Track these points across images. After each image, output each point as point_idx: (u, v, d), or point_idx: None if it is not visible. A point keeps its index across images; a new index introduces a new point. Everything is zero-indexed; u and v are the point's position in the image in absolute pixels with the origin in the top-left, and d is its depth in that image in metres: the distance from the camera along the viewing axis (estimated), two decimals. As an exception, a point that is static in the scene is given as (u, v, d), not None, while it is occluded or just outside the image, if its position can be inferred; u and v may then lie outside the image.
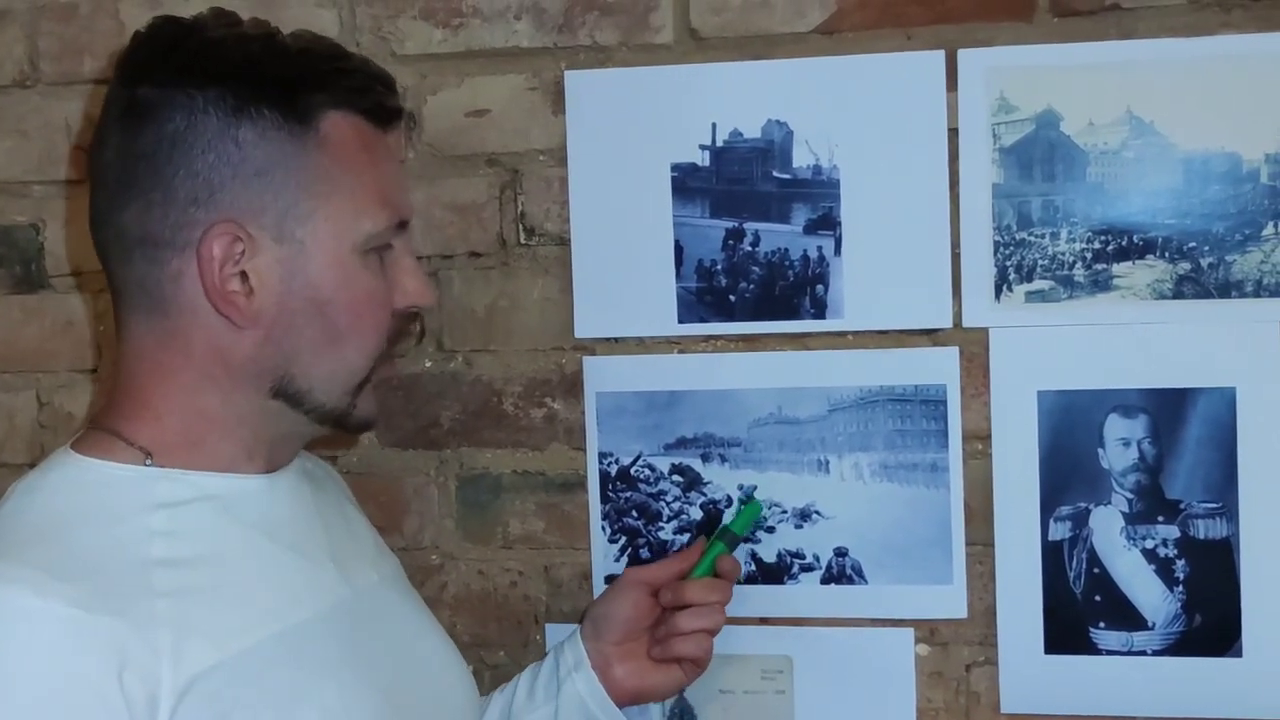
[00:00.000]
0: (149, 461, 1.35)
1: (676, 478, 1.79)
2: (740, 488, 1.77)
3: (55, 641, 1.20)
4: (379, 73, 1.42)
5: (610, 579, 1.81)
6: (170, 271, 1.33)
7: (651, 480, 1.80)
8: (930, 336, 1.72)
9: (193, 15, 1.38)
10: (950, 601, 1.74)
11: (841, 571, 1.76)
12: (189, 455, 1.36)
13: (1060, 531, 1.70)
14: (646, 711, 1.69)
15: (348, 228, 1.35)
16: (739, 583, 1.75)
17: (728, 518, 1.76)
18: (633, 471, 1.80)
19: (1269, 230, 1.64)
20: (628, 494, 1.81)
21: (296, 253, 1.34)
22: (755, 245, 1.75)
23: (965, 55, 1.68)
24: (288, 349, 1.36)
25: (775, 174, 1.74)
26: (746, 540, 1.74)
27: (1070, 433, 1.69)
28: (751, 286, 1.75)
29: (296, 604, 1.36)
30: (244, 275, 1.33)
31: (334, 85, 1.35)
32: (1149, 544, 1.69)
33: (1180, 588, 1.68)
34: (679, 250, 1.76)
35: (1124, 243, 1.66)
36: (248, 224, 1.32)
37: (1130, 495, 1.68)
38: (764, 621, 1.78)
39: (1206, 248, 1.64)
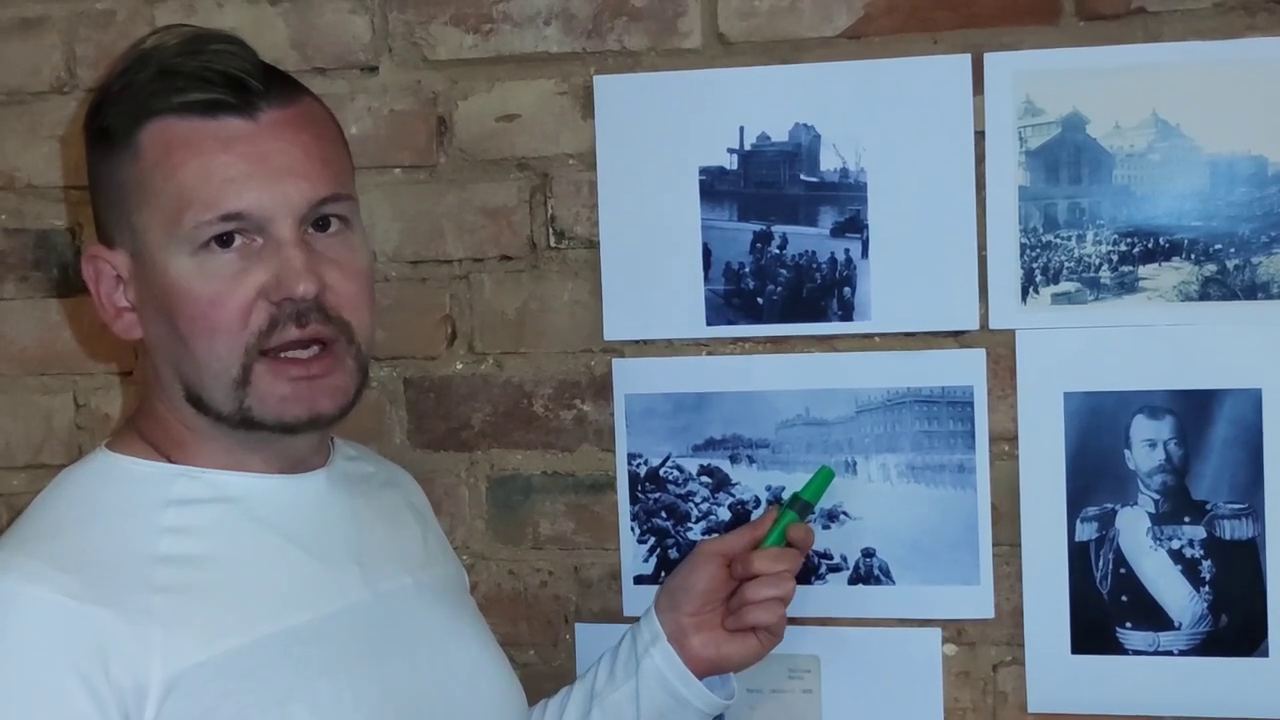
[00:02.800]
0: (168, 459, 1.39)
1: (705, 479, 1.80)
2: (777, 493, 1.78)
3: (40, 627, 1.24)
4: (208, 66, 1.35)
5: (639, 580, 1.82)
6: None
7: (680, 481, 1.81)
8: (957, 338, 1.73)
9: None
10: (977, 602, 1.75)
11: (869, 572, 1.77)
12: (200, 455, 1.40)
13: (1087, 532, 1.70)
14: (727, 682, 1.66)
15: (164, 232, 1.34)
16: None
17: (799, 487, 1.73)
18: (661, 473, 1.81)
19: (1295, 232, 1.65)
20: (656, 495, 1.82)
21: (142, 264, 1.37)
22: (783, 248, 1.76)
23: (991, 59, 1.69)
24: (169, 357, 1.38)
25: (803, 177, 1.75)
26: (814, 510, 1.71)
27: (1097, 434, 1.70)
28: (779, 289, 1.76)
29: (301, 604, 1.37)
30: (125, 291, 1.39)
31: (147, 93, 1.35)
32: (1175, 544, 1.69)
33: (1206, 588, 1.69)
34: (707, 253, 1.77)
35: (1150, 245, 1.67)
36: (111, 244, 1.39)
37: (1156, 496, 1.69)
38: (792, 621, 1.76)
39: (1232, 250, 1.65)
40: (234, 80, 1.35)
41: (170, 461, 1.39)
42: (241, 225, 1.34)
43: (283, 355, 1.35)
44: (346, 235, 1.40)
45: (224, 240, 1.34)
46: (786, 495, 1.76)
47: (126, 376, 1.93)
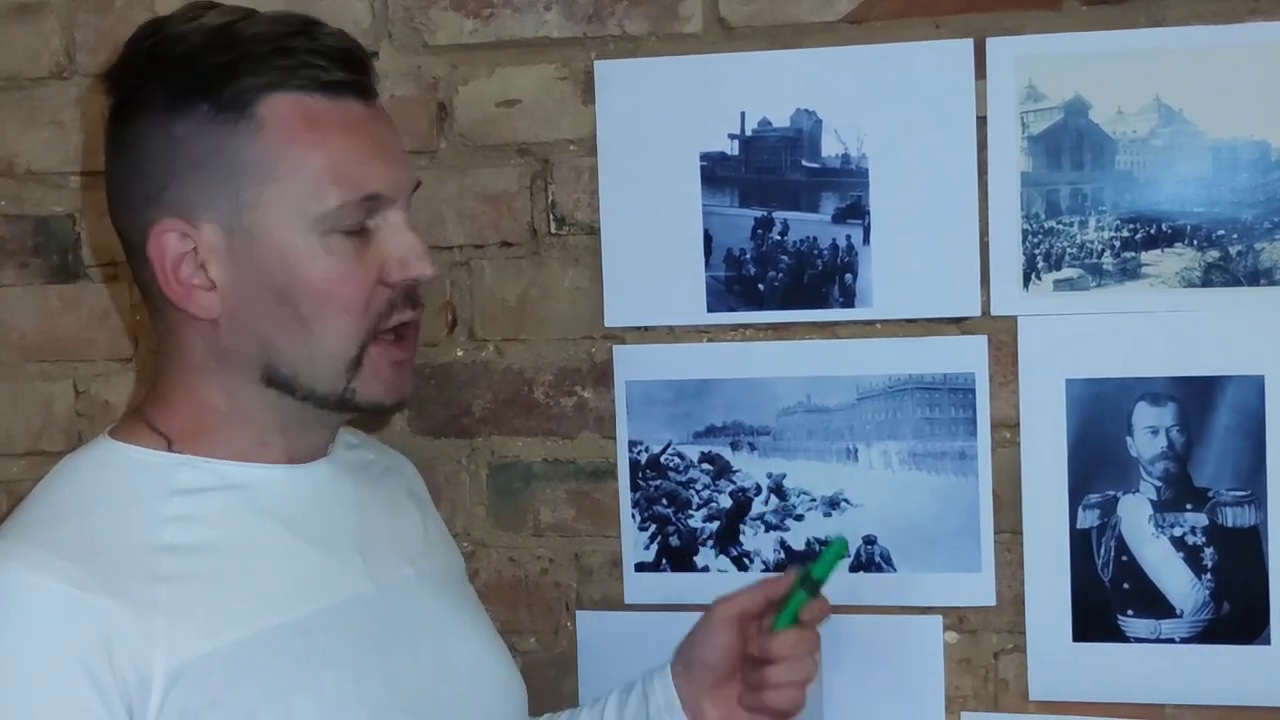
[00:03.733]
0: (171, 448, 1.38)
1: (706, 466, 1.80)
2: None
3: (45, 616, 1.23)
4: (330, 46, 1.35)
5: (640, 567, 1.82)
6: (146, 272, 1.36)
7: (681, 468, 1.81)
8: (959, 325, 1.73)
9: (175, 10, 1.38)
10: (979, 589, 1.75)
11: (870, 559, 1.77)
12: (208, 444, 1.38)
13: (1089, 519, 1.70)
14: None
15: (296, 211, 1.32)
16: (769, 570, 1.77)
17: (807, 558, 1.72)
18: (662, 460, 1.81)
19: (1298, 218, 1.64)
20: (657, 482, 1.82)
21: (248, 242, 1.32)
22: (784, 234, 1.75)
23: (994, 44, 1.68)
24: (261, 337, 1.35)
25: (804, 163, 1.74)
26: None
27: (1098, 421, 1.69)
28: (780, 275, 1.76)
29: (305, 596, 1.36)
30: (205, 268, 1.33)
31: (270, 67, 1.32)
32: (1177, 532, 1.69)
33: (1209, 575, 1.68)
34: (708, 239, 1.77)
35: (1152, 231, 1.66)
36: (195, 218, 1.32)
37: (1159, 483, 1.69)
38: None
39: (1235, 235, 1.65)
40: (359, 64, 1.37)
41: (173, 450, 1.38)
42: (374, 206, 1.35)
43: (386, 339, 1.37)
44: None
45: (355, 224, 1.34)
46: (788, 483, 1.76)
47: (126, 364, 1.93)
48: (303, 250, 1.32)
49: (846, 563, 1.76)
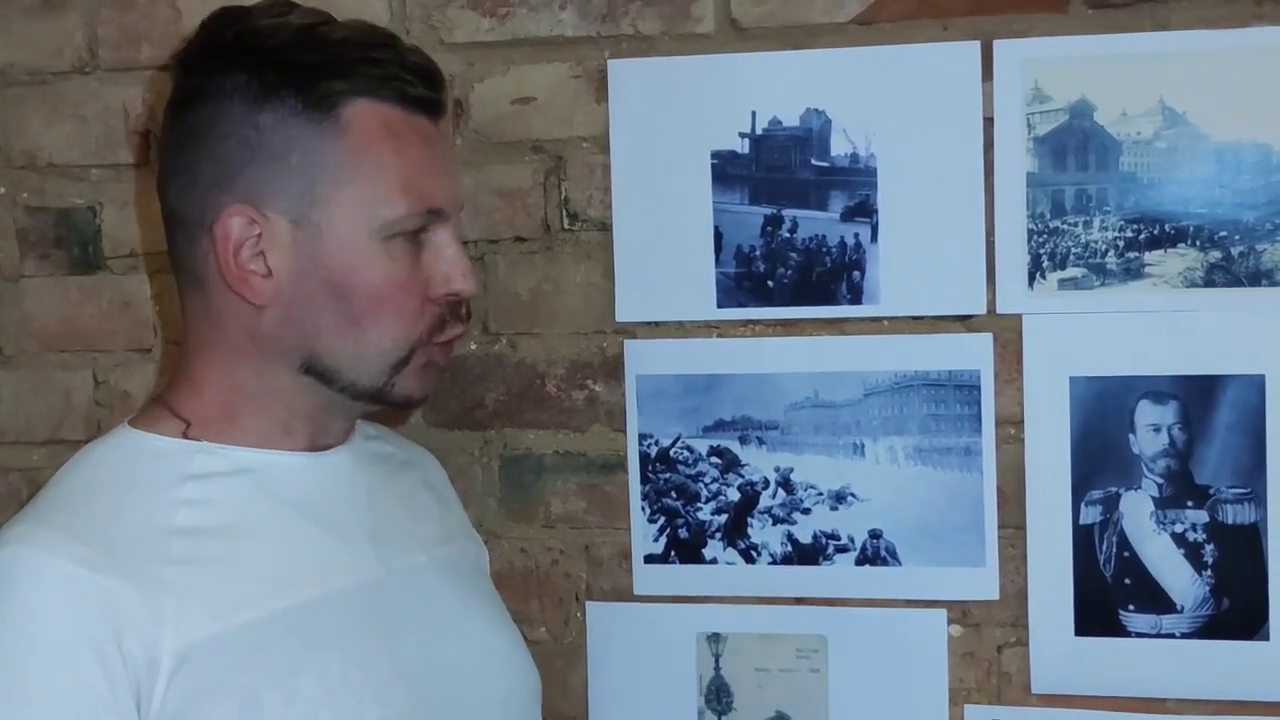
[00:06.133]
0: (188, 433, 1.41)
1: (715, 459, 1.82)
2: None
3: (55, 596, 1.26)
4: (415, 63, 1.41)
5: (649, 559, 1.84)
6: (200, 250, 1.39)
7: (690, 462, 1.83)
8: (964, 323, 1.74)
9: (251, 4, 1.42)
10: (982, 583, 1.76)
11: (876, 553, 1.79)
12: (227, 429, 1.41)
13: (1091, 515, 1.72)
14: None
15: (365, 214, 1.36)
16: (776, 563, 1.79)
17: None
18: (672, 453, 1.83)
19: (1300, 220, 1.66)
20: (667, 475, 1.84)
21: (313, 236, 1.36)
22: (793, 232, 1.77)
23: (1001, 46, 1.70)
24: (308, 328, 1.39)
25: (813, 162, 1.76)
26: None
27: (1101, 418, 1.71)
28: (789, 272, 1.78)
29: (313, 579, 1.39)
30: (264, 255, 1.37)
31: (360, 74, 1.36)
32: (1178, 528, 1.70)
33: (1209, 571, 1.70)
34: (718, 236, 1.79)
35: (1156, 231, 1.68)
36: (265, 207, 1.36)
37: (1160, 480, 1.71)
38: (799, 601, 1.81)
39: (1237, 236, 1.66)
40: (438, 83, 1.43)
41: (190, 435, 1.41)
42: (432, 221, 1.40)
43: (434, 347, 1.44)
44: None
45: (413, 231, 1.39)
46: (795, 478, 1.78)
47: (145, 354, 1.95)
48: (365, 252, 1.37)
49: (851, 556, 1.79)
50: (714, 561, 1.83)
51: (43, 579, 1.26)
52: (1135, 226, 1.68)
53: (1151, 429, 1.70)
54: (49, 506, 1.36)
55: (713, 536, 1.83)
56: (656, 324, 1.82)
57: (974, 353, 1.74)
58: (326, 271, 1.37)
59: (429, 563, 1.53)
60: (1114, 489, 1.72)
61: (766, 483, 1.81)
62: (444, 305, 1.43)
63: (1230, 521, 1.69)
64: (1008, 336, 1.74)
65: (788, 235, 1.77)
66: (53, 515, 1.34)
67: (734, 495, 1.82)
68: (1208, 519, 1.70)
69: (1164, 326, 1.69)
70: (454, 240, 1.43)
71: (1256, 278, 1.66)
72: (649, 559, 1.85)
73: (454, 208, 1.44)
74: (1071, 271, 1.70)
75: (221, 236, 1.37)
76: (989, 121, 1.71)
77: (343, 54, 1.37)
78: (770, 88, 1.76)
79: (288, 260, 1.37)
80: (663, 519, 1.84)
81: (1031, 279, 1.71)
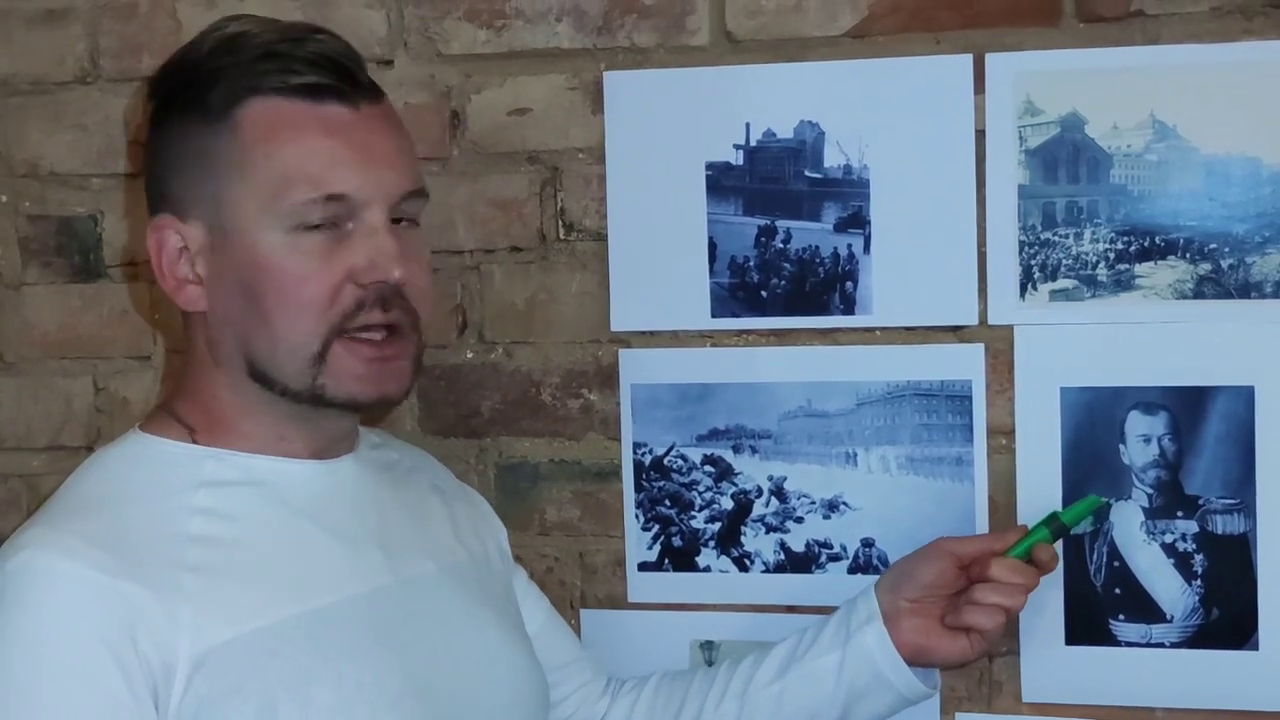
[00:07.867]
0: (195, 439, 1.43)
1: (709, 468, 1.83)
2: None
3: (73, 601, 1.27)
4: (314, 52, 1.40)
5: (644, 567, 1.85)
6: None
7: (684, 470, 1.84)
8: (956, 333, 1.75)
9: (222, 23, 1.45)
10: (974, 592, 1.77)
11: (868, 562, 1.80)
12: (228, 435, 1.44)
13: (1081, 525, 1.72)
14: (933, 673, 1.66)
15: (263, 209, 1.37)
16: (769, 571, 1.80)
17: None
18: (666, 462, 1.84)
19: (1289, 232, 1.67)
20: (661, 483, 1.85)
21: (224, 238, 1.39)
22: (787, 243, 1.78)
23: (993, 59, 1.71)
24: (237, 331, 1.41)
25: (807, 173, 1.77)
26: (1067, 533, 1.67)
27: (1092, 429, 1.72)
28: (783, 283, 1.79)
29: (325, 587, 1.40)
30: (193, 263, 1.41)
31: (254, 71, 1.38)
32: (1168, 538, 1.71)
33: (1198, 581, 1.71)
34: (713, 247, 1.80)
35: (1146, 243, 1.69)
36: (186, 216, 1.40)
37: (1150, 490, 1.71)
38: (792, 609, 1.81)
39: (1227, 249, 1.67)
40: (342, 69, 1.41)
41: (199, 444, 1.43)
42: (340, 208, 1.38)
43: (359, 336, 1.40)
44: (416, 232, 1.46)
45: (318, 222, 1.38)
46: (789, 487, 1.79)
47: (145, 361, 1.97)
48: (269, 246, 1.38)
49: (844, 564, 1.79)
50: (707, 569, 1.84)
51: (60, 583, 1.28)
52: (1126, 239, 1.69)
53: (1142, 439, 1.71)
54: (64, 511, 1.38)
55: (706, 545, 1.84)
56: (651, 333, 1.83)
57: (966, 363, 1.75)
58: (236, 271, 1.39)
59: (437, 570, 1.53)
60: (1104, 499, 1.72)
61: (760, 491, 1.82)
62: (367, 290, 1.39)
63: (1220, 532, 1.70)
64: (999, 347, 1.74)
65: (781, 246, 1.78)
66: (68, 520, 1.35)
67: (727, 504, 1.83)
68: (1197, 529, 1.70)
69: (1154, 338, 1.70)
70: (384, 227, 1.40)
71: (1246, 290, 1.67)
72: (643, 567, 1.86)
73: (373, 193, 1.40)
74: (1063, 283, 1.71)
75: (154, 247, 1.42)
76: (981, 134, 1.72)
77: (236, 56, 1.39)
78: (764, 100, 1.77)
79: (210, 265, 1.41)
80: (657, 527, 1.85)
81: (1023, 290, 1.72)
